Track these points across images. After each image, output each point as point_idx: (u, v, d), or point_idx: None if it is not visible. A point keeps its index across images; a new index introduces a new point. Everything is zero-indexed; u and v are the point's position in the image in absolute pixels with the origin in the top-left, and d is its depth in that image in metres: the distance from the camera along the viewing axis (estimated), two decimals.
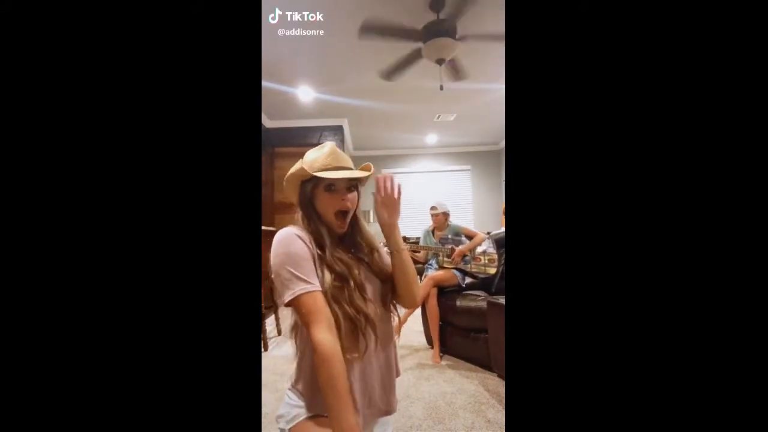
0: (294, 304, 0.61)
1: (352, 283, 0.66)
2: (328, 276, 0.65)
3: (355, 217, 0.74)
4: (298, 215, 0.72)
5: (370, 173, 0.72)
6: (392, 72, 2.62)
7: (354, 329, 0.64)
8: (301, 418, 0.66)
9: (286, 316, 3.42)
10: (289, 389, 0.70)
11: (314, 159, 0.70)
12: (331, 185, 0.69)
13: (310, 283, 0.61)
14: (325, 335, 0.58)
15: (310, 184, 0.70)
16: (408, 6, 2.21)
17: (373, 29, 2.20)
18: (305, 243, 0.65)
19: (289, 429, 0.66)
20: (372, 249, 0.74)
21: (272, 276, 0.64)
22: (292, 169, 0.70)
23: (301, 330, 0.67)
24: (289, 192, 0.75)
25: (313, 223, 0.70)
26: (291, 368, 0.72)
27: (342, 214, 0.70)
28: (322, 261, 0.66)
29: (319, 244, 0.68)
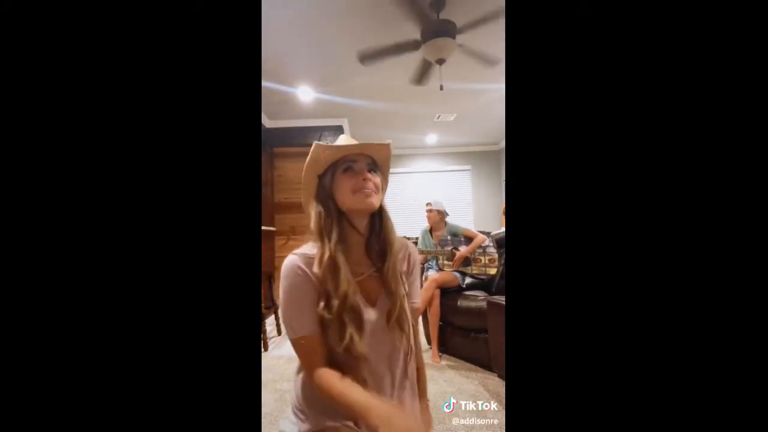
0: (293, 344, 0.64)
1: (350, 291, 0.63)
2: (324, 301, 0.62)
3: (381, 210, 0.69)
4: (313, 225, 0.67)
5: (387, 143, 0.68)
6: (372, 55, 2.54)
7: (338, 318, 0.61)
8: None
9: None
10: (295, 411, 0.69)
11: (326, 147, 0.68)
12: (349, 167, 0.65)
13: (306, 327, 0.62)
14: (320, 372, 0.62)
15: (327, 175, 0.67)
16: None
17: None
18: (307, 274, 0.62)
19: None
20: (390, 254, 0.68)
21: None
22: (307, 165, 0.67)
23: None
24: (306, 196, 0.70)
25: (336, 227, 0.64)
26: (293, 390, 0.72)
27: (365, 195, 0.64)
28: (327, 283, 0.62)
29: (333, 264, 0.62)
